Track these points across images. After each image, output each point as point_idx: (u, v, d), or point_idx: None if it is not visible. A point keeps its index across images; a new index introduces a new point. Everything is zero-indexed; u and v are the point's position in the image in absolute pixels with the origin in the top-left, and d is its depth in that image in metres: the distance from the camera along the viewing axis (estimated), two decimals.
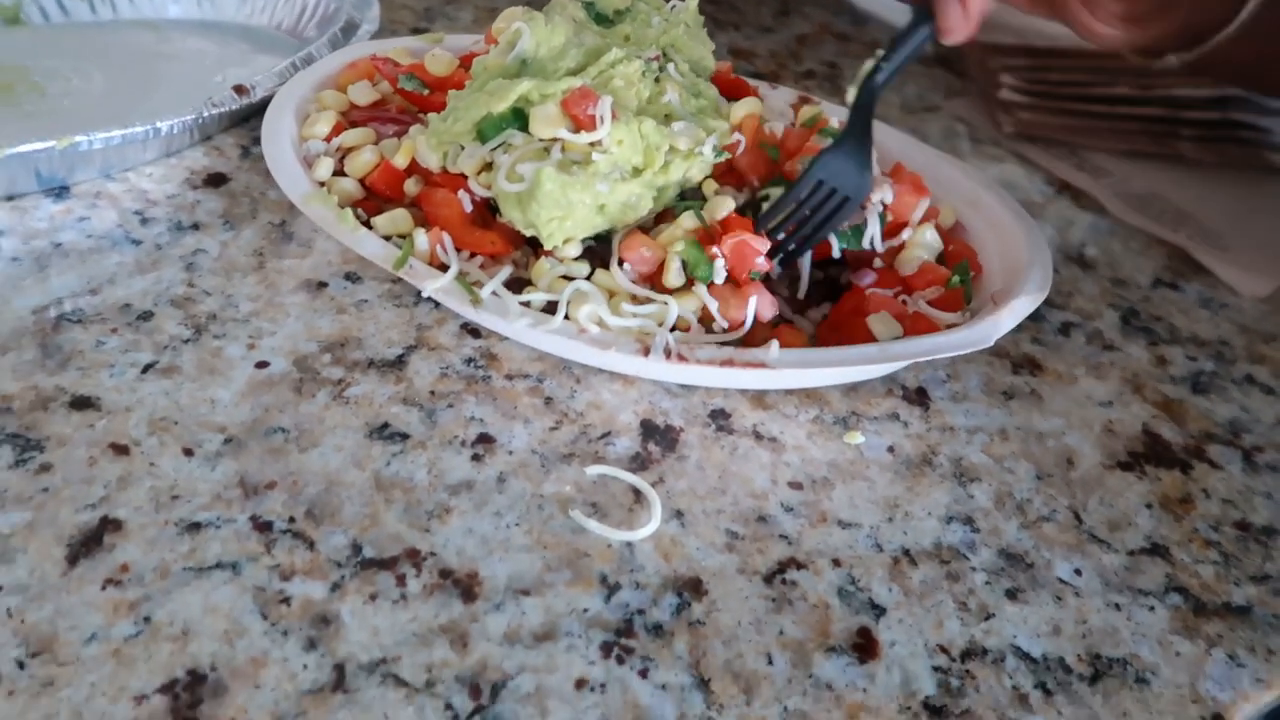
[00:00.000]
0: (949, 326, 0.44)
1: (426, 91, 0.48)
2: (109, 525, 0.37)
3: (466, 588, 0.37)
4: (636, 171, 0.43)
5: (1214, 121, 0.71)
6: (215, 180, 0.55)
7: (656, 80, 0.46)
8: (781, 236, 0.47)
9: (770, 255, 0.45)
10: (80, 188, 0.52)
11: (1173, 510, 0.45)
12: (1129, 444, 0.48)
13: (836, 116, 0.55)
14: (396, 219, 0.44)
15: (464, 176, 0.44)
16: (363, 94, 0.50)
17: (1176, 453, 0.48)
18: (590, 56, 0.46)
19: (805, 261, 0.47)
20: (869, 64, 0.49)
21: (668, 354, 0.40)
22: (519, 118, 0.42)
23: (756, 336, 0.43)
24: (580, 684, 0.35)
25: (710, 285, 0.43)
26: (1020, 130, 0.71)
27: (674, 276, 0.43)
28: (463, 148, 0.43)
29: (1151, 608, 0.41)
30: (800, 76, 0.76)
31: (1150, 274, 0.60)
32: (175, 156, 0.55)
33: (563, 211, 0.41)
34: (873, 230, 0.47)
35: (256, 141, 0.58)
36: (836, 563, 0.40)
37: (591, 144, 0.42)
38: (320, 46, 0.57)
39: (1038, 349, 0.53)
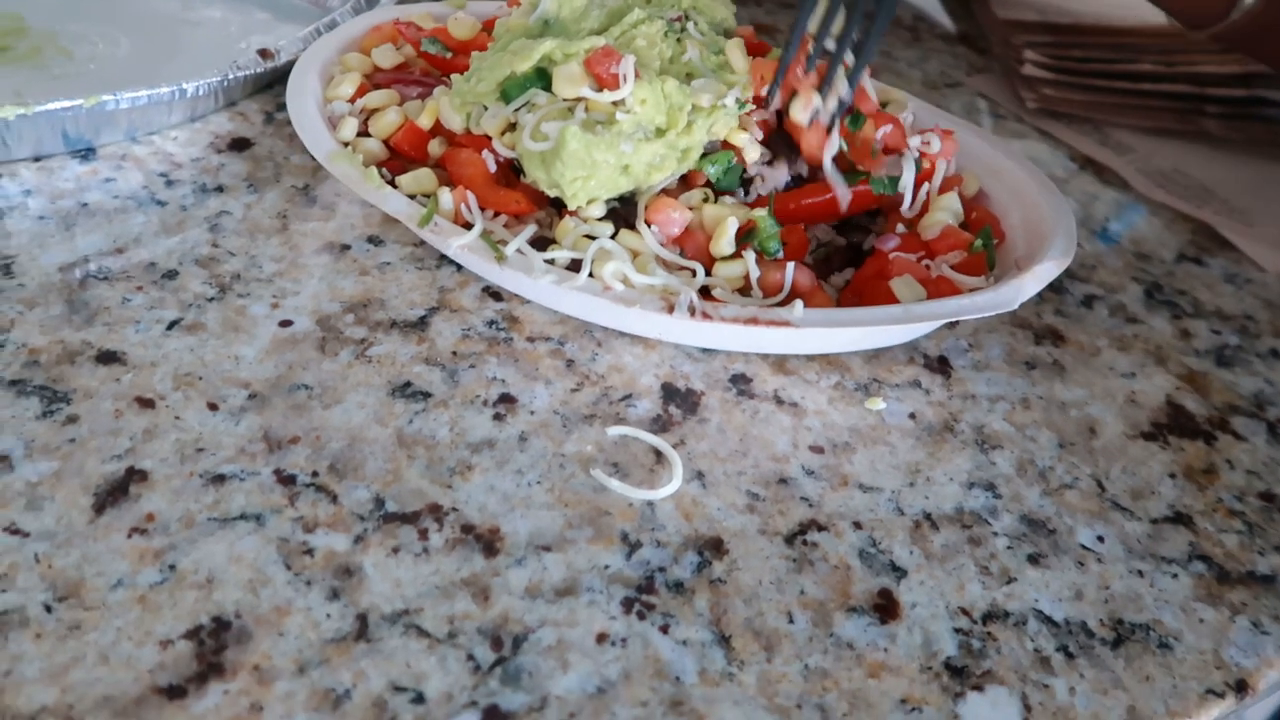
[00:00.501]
0: (972, 290, 0.44)
1: (449, 55, 0.48)
2: (135, 476, 0.37)
3: (488, 543, 0.37)
4: (660, 132, 0.43)
5: (1240, 99, 0.70)
6: (239, 144, 0.55)
7: (678, 40, 0.46)
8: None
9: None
10: (106, 150, 0.53)
11: (1196, 480, 0.45)
12: (1152, 415, 0.48)
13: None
14: (421, 178, 0.44)
15: (488, 137, 0.44)
16: (387, 57, 0.50)
17: (1200, 424, 0.48)
18: (613, 17, 0.45)
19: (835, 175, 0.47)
20: None
21: (692, 312, 0.40)
22: (542, 77, 0.42)
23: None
24: (601, 638, 0.35)
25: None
26: (1043, 106, 0.70)
27: (725, 244, 0.43)
28: (486, 108, 0.43)
29: (1175, 575, 0.41)
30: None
31: (1174, 249, 0.60)
32: (200, 121, 0.56)
33: (587, 171, 0.41)
34: (908, 177, 0.47)
35: (280, 107, 0.58)
36: (857, 525, 0.40)
37: (615, 103, 0.42)
38: (344, 13, 0.58)
39: (1060, 320, 0.53)
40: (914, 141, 0.47)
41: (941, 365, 0.48)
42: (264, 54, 0.53)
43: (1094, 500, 0.43)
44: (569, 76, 0.42)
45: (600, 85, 0.42)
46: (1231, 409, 0.49)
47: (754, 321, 0.40)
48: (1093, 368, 0.50)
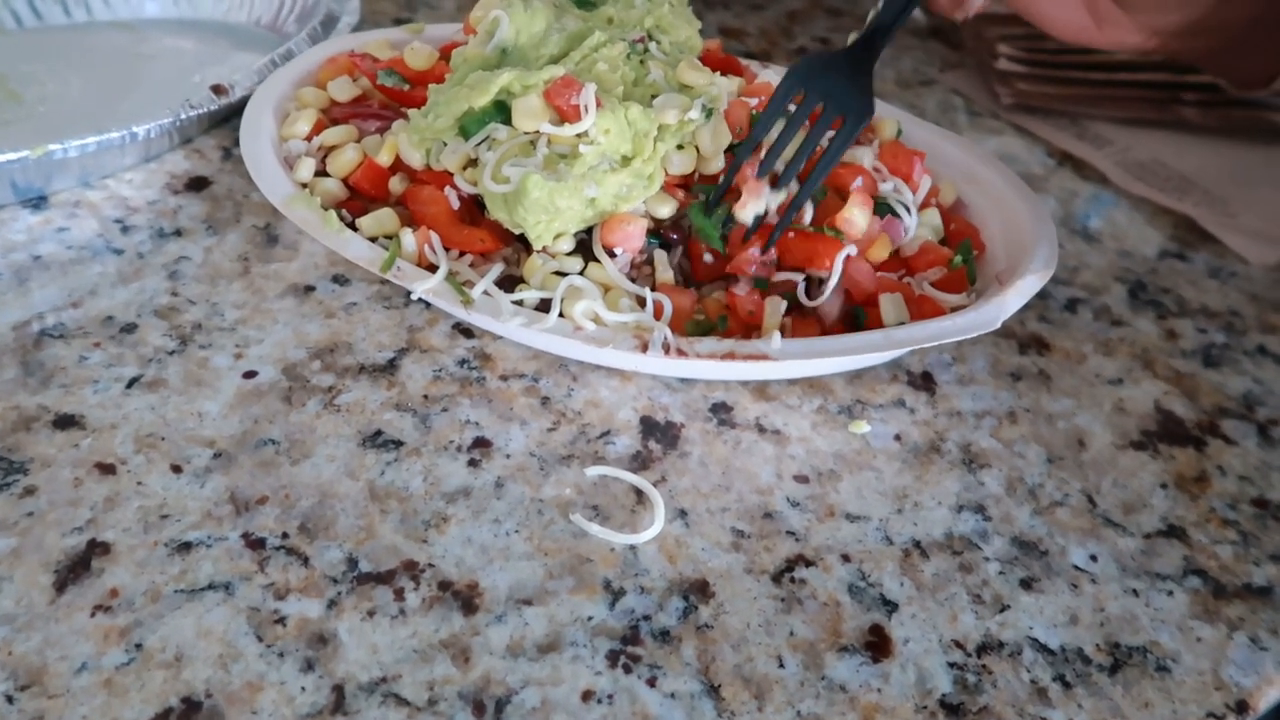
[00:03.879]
0: (954, 309, 0.43)
1: (407, 87, 0.47)
2: (97, 548, 0.36)
3: (467, 599, 0.36)
4: (626, 161, 0.41)
5: (1216, 85, 0.69)
6: (197, 184, 0.53)
7: (641, 62, 0.45)
8: (779, 166, 0.44)
9: (773, 185, 0.43)
10: (59, 197, 0.51)
11: (1188, 489, 0.44)
12: (1141, 422, 0.47)
13: None
14: (382, 219, 0.43)
15: (449, 173, 0.42)
16: (343, 90, 0.49)
17: (1190, 429, 0.47)
18: (573, 41, 0.44)
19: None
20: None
21: (666, 349, 0.39)
22: (502, 110, 0.41)
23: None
24: (587, 695, 0.34)
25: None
26: (1019, 101, 0.69)
27: (661, 269, 0.42)
28: (445, 144, 0.42)
29: (1170, 592, 0.40)
30: (793, 54, 0.75)
31: (1157, 245, 0.59)
32: (155, 161, 0.54)
33: (550, 215, 0.39)
34: (910, 224, 0.45)
35: (237, 142, 0.56)
36: (846, 558, 0.39)
37: (578, 136, 0.40)
38: (299, 42, 0.56)
39: (1044, 327, 0.52)
40: (886, 188, 0.46)
41: (925, 382, 0.47)
42: (217, 89, 0.51)
43: (1085, 517, 0.42)
44: (528, 110, 0.40)
45: (561, 117, 0.41)
46: (1221, 411, 0.48)
47: (731, 357, 0.39)
48: (1079, 376, 0.49)
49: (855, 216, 0.42)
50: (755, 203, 0.44)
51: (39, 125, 0.53)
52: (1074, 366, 0.50)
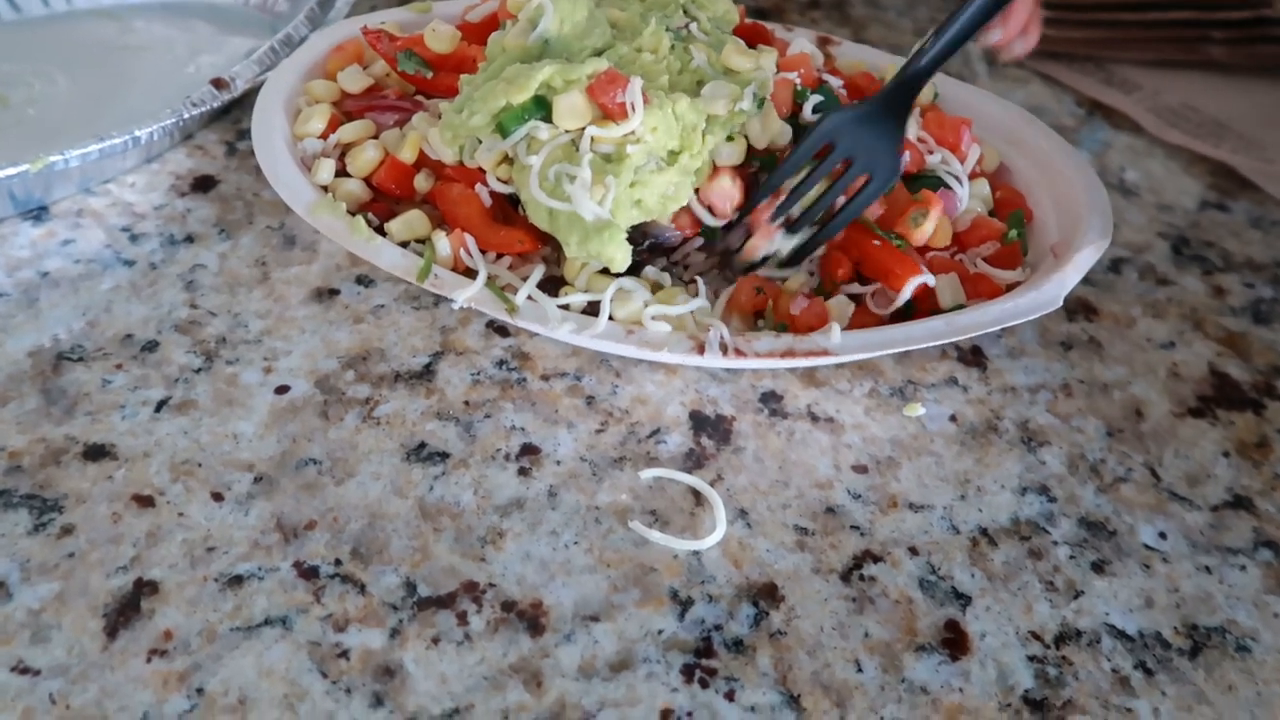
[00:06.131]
0: (1010, 286, 0.41)
1: (430, 74, 0.44)
2: (145, 588, 0.35)
3: (532, 619, 0.35)
4: (673, 156, 0.39)
5: (1244, 21, 0.67)
6: (203, 184, 0.51)
7: (685, 48, 0.42)
8: (795, 211, 0.43)
9: (788, 229, 0.42)
10: (59, 206, 0.49)
11: (1250, 456, 0.43)
12: (1197, 387, 0.46)
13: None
14: (412, 222, 0.40)
15: (481, 170, 0.40)
16: (355, 80, 0.46)
17: (1246, 391, 0.46)
18: (618, 32, 0.41)
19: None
20: (920, 42, 0.45)
21: (724, 350, 0.37)
22: (542, 106, 0.39)
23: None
24: (666, 715, 0.33)
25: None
26: (1043, 48, 0.66)
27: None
28: (480, 141, 0.40)
29: (1242, 567, 0.39)
30: (805, 8, 0.72)
31: (1196, 195, 0.57)
32: (157, 161, 0.51)
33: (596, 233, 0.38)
34: (962, 194, 0.43)
35: (241, 135, 0.54)
36: (914, 551, 0.38)
37: (624, 135, 0.38)
38: (299, 25, 0.53)
39: (1091, 291, 0.50)
40: (934, 160, 0.44)
41: (976, 357, 0.46)
42: (218, 84, 0.49)
43: (1150, 492, 0.41)
44: (571, 109, 0.38)
45: (606, 115, 0.38)
46: (1275, 371, 0.47)
47: (790, 354, 0.37)
48: (1130, 341, 0.48)
49: (927, 228, 0.41)
50: (765, 245, 0.43)
51: (31, 131, 0.51)
52: (1124, 331, 0.48)
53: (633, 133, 0.38)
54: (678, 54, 0.42)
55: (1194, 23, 0.67)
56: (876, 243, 0.40)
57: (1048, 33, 0.67)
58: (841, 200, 0.42)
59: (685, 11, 0.44)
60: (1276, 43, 0.66)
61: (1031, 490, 0.41)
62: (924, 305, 0.41)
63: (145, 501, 0.37)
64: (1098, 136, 0.61)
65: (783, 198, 0.42)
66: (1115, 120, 0.63)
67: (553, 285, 0.40)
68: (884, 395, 0.44)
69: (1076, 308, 0.49)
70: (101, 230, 0.48)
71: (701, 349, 0.37)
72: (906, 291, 0.39)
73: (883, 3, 0.73)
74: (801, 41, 0.48)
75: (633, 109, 0.37)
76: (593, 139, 0.38)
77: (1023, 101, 0.64)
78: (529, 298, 0.38)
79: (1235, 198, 0.57)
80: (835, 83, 0.46)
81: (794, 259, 0.43)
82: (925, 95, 0.49)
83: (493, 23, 0.46)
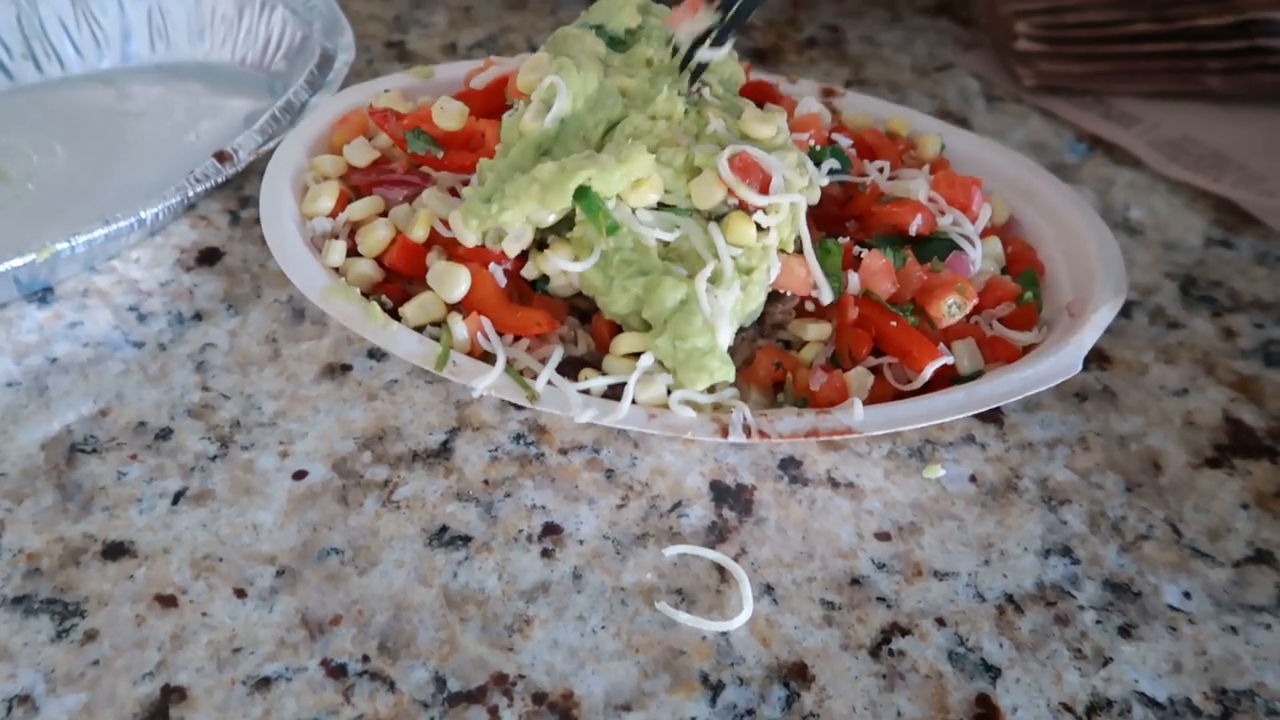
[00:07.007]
0: (1026, 348, 0.41)
1: (440, 153, 0.43)
2: (173, 694, 0.34)
3: (564, 711, 0.35)
4: (746, 272, 0.39)
5: (1239, 50, 0.67)
6: (208, 257, 0.50)
7: (699, 112, 0.42)
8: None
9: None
10: (64, 286, 0.48)
11: (1269, 507, 0.43)
12: (1213, 436, 0.46)
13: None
14: (427, 306, 0.40)
15: (502, 252, 0.39)
16: (361, 154, 0.46)
17: (1261, 439, 0.46)
18: (629, 99, 0.41)
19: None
20: None
21: (748, 432, 0.37)
22: (585, 194, 0.38)
23: None
24: None
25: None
26: (1041, 83, 0.67)
27: None
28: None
29: (1268, 625, 0.39)
30: (802, 47, 0.72)
31: (1201, 232, 0.57)
32: (160, 234, 0.51)
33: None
34: (975, 256, 0.44)
35: (244, 204, 0.54)
36: (941, 622, 0.38)
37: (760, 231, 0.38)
38: (299, 90, 0.53)
39: (1103, 338, 0.50)
40: (945, 222, 0.44)
41: (992, 413, 0.46)
42: (221, 157, 0.48)
43: (1173, 550, 0.41)
44: (739, 230, 0.38)
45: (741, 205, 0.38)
46: None
47: (814, 434, 0.37)
48: (1144, 389, 0.48)
49: (954, 311, 0.41)
50: (690, 22, 0.44)
51: (32, 207, 0.50)
52: (1137, 379, 0.48)
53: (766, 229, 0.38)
54: (691, 120, 0.42)
55: (1188, 53, 0.67)
56: (894, 323, 0.40)
57: (1047, 67, 0.67)
58: None
59: (700, 79, 0.44)
60: (1273, 71, 0.67)
61: (1055, 552, 0.41)
62: (941, 369, 0.41)
63: (168, 601, 0.37)
64: (1099, 173, 0.61)
65: None
66: (1116, 156, 0.63)
67: (570, 367, 0.40)
68: (903, 457, 0.44)
69: (1090, 357, 0.49)
70: (108, 310, 0.47)
71: (725, 432, 0.37)
72: (927, 373, 0.39)
73: (879, 39, 0.73)
74: (809, 100, 0.48)
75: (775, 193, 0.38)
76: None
77: (1022, 138, 0.64)
78: (549, 383, 0.38)
79: (1240, 233, 0.58)
80: (844, 142, 0.46)
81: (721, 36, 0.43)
82: (931, 147, 0.49)
83: (498, 91, 0.46)
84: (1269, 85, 0.66)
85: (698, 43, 0.44)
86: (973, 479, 0.43)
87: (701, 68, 0.44)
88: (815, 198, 0.41)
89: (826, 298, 0.40)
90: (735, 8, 0.42)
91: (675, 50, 0.44)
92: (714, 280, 0.37)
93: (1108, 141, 0.63)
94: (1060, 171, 0.61)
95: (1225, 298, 0.53)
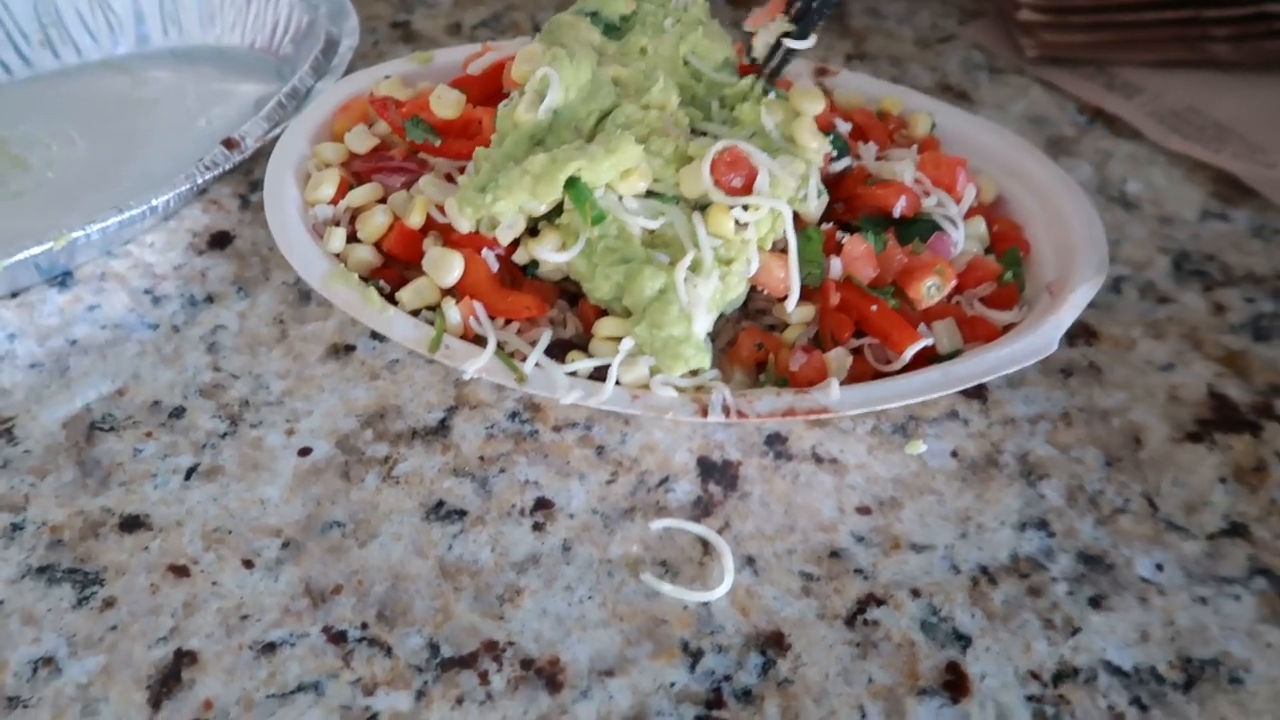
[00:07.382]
0: (1006, 327, 0.42)
1: (438, 141, 0.45)
2: (184, 658, 0.37)
3: (550, 676, 0.37)
4: (725, 263, 0.40)
5: (1246, 17, 0.66)
6: (219, 240, 0.52)
7: (693, 100, 0.43)
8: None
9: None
10: (83, 270, 0.50)
11: (1247, 481, 0.44)
12: (1196, 411, 0.47)
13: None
14: (422, 290, 0.42)
15: (494, 238, 0.41)
16: (361, 141, 0.47)
17: (1245, 413, 0.47)
18: (623, 89, 0.42)
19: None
20: None
21: (726, 412, 0.39)
22: (574, 184, 0.40)
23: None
24: None
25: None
26: (1044, 53, 0.67)
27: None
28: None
29: (1237, 596, 0.40)
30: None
31: (1197, 205, 0.58)
32: (174, 219, 0.53)
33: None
34: (957, 236, 0.45)
35: (253, 188, 0.55)
36: (915, 593, 0.40)
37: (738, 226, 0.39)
38: (304, 76, 0.54)
39: (1091, 313, 0.51)
40: (930, 203, 0.44)
41: (976, 389, 0.47)
42: (229, 144, 0.50)
43: (1148, 523, 0.42)
44: (693, 179, 0.39)
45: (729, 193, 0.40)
46: (1274, 390, 0.48)
47: (791, 413, 0.38)
48: (1130, 364, 0.49)
49: (933, 293, 0.42)
50: (769, 27, 0.47)
51: (51, 195, 0.52)
52: (1124, 355, 0.49)
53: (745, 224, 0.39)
54: (686, 110, 0.42)
55: (1194, 20, 0.66)
56: (874, 307, 0.41)
57: (1049, 37, 0.67)
58: None
59: (687, 62, 0.45)
60: (1278, 38, 0.66)
61: (1031, 525, 0.42)
62: (921, 349, 0.42)
63: (181, 571, 0.39)
64: (1099, 146, 0.61)
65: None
66: (1117, 128, 0.63)
67: (559, 349, 0.42)
68: (886, 433, 0.45)
69: (1077, 332, 0.50)
70: (125, 293, 0.49)
71: (704, 412, 0.39)
72: (907, 355, 0.40)
73: (882, 11, 0.73)
74: (804, 80, 0.49)
75: (759, 193, 0.39)
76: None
77: (1024, 110, 0.64)
78: (537, 365, 0.40)
79: (1236, 205, 0.58)
80: (844, 127, 0.47)
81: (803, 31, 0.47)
82: (922, 127, 0.50)
83: (495, 78, 0.47)
84: (1276, 52, 0.65)
85: (773, 50, 0.47)
86: (954, 454, 0.44)
87: (785, 61, 0.47)
88: (811, 213, 0.42)
89: (792, 304, 0.41)
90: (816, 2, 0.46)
91: (749, 52, 0.48)
92: (694, 269, 0.39)
93: (1109, 114, 0.63)
94: (1059, 144, 0.61)
95: (1218, 272, 0.54)
